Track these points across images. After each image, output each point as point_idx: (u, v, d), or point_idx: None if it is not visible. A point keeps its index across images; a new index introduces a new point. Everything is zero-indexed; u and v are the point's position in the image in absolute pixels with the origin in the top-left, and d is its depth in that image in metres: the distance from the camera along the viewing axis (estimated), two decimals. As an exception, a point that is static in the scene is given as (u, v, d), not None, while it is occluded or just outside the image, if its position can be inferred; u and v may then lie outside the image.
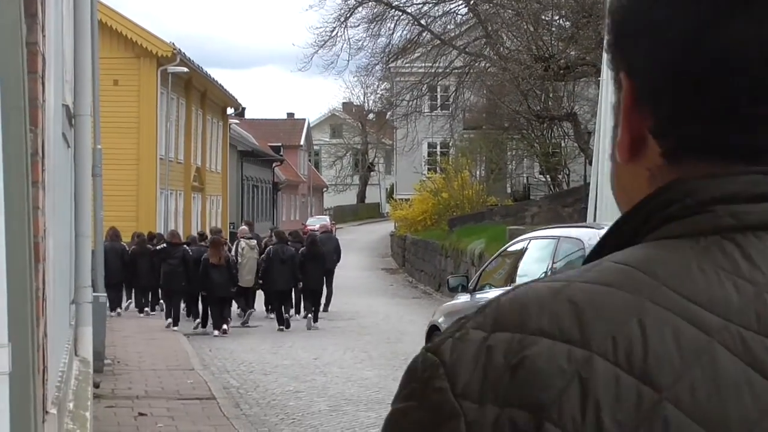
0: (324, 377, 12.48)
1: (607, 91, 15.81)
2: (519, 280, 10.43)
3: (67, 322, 8.29)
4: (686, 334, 0.64)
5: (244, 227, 21.04)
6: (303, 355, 14.53)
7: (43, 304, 4.46)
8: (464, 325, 0.68)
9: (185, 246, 18.83)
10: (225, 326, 16.79)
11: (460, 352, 0.66)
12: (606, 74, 15.74)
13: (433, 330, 11.46)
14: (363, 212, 54.22)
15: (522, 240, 12.06)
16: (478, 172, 30.11)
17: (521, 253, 11.53)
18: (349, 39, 30.70)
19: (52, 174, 5.20)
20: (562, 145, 27.06)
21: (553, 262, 10.55)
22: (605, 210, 15.58)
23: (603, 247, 0.75)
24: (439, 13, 27.57)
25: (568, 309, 0.65)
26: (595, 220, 15.25)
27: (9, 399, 3.09)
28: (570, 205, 22.64)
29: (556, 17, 24.33)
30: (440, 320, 11.51)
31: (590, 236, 10.15)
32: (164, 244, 19.06)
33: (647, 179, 0.75)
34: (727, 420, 0.63)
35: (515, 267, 11.49)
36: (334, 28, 30.38)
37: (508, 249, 12.40)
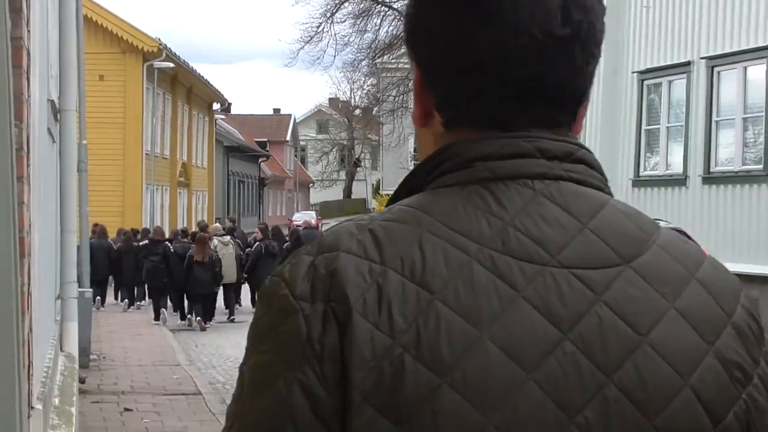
0: (310, 372, 12.72)
1: (593, 92, 16.72)
2: None
3: (53, 318, 8.43)
4: (452, 255, 0.92)
5: (216, 225, 21.26)
6: (289, 350, 14.80)
7: (28, 300, 4.56)
8: (298, 253, 0.95)
9: (167, 243, 19.11)
10: (205, 323, 17.31)
11: (295, 270, 0.93)
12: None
13: None
14: (349, 208, 54.42)
15: None
16: None
17: None
18: (335, 34, 31.09)
19: (37, 169, 5.31)
20: None
21: None
22: None
23: (398, 195, 1.02)
24: None
25: (370, 238, 0.92)
26: None
27: None
28: None
29: None
30: None
31: None
32: (146, 241, 19.45)
33: (433, 142, 1.02)
34: (480, 312, 0.89)
35: None
36: (321, 23, 30.81)
37: None
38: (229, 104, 44.01)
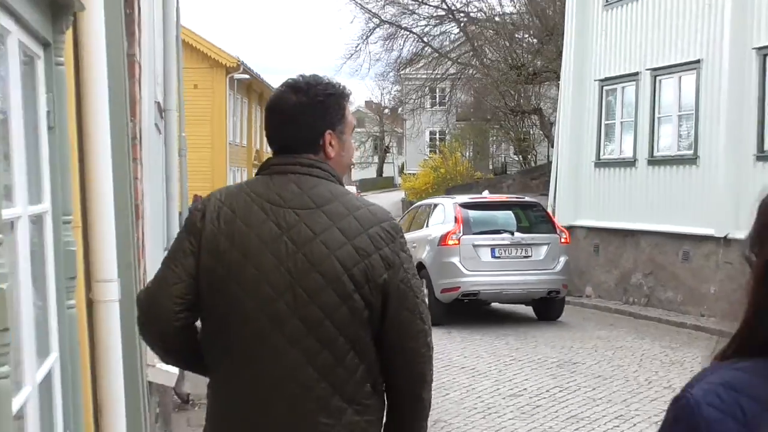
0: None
1: (564, 91, 18.79)
2: (413, 226, 14.65)
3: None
4: (246, 200, 2.30)
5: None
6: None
7: (142, 251, 5.07)
8: (212, 194, 2.36)
9: None
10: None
11: (206, 204, 2.32)
12: (564, 78, 18.77)
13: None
14: (381, 183, 64.72)
15: (417, 205, 16.73)
16: (467, 153, 35.90)
17: (417, 210, 15.97)
18: (369, 52, 36.02)
19: (147, 154, 5.87)
20: (531, 132, 31.82)
21: (428, 215, 14.43)
22: (561, 180, 18.33)
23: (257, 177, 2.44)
24: (438, 33, 32.89)
25: (224, 193, 2.36)
26: (555, 188, 17.98)
27: (120, 321, 3.70)
28: (537, 178, 25.66)
29: (526, 35, 28.89)
30: None
31: (445, 201, 14.53)
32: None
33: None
34: (251, 223, 2.28)
35: (413, 218, 15.50)
36: (358, 44, 35.54)
37: (413, 209, 16.75)
38: None
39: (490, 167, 35.83)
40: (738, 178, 13.46)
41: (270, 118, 2.52)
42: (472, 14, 31.54)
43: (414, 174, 37.32)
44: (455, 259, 12.76)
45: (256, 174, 2.49)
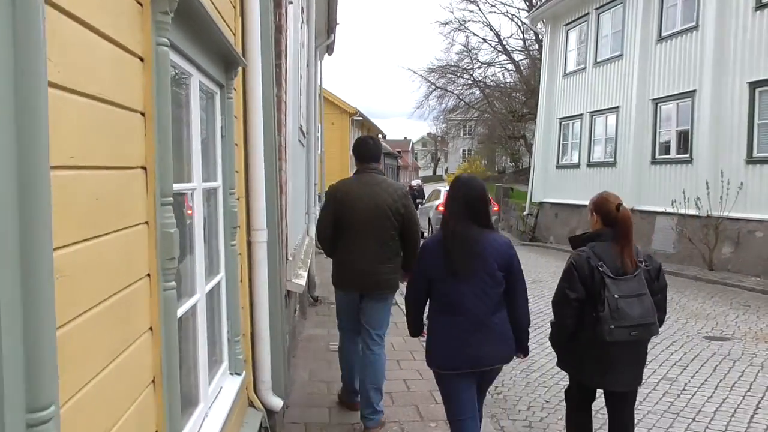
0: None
1: (539, 125, 24.13)
2: (431, 199, 23.89)
3: (303, 222, 10.01)
4: (354, 185, 5.17)
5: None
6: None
7: (285, 211, 5.90)
8: (338, 183, 5.37)
9: None
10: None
11: (337, 187, 5.31)
12: (539, 118, 24.14)
13: None
14: (433, 179, 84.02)
15: (434, 189, 25.43)
16: (483, 161, 56.46)
17: (434, 192, 24.49)
18: (429, 105, 56.27)
19: (292, 156, 6.67)
20: (519, 150, 48.54)
21: (437, 195, 23.51)
22: (537, 175, 23.48)
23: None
24: (469, 92, 49.40)
25: (346, 181, 5.40)
26: (532, 180, 24.05)
27: (267, 255, 4.45)
28: (522, 175, 36.93)
29: (518, 94, 42.28)
30: None
31: (443, 188, 23.04)
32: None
33: None
34: (355, 197, 5.13)
35: (433, 195, 24.21)
36: (423, 100, 60.17)
37: (434, 191, 24.87)
38: (384, 135, 71.58)
39: (496, 169, 53.73)
40: (640, 174, 17.87)
41: (361, 147, 5.02)
42: (487, 83, 47.34)
43: (453, 173, 61.14)
44: (441, 217, 24.09)
45: (355, 173, 4.96)
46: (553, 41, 23.57)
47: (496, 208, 23.24)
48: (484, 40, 50.58)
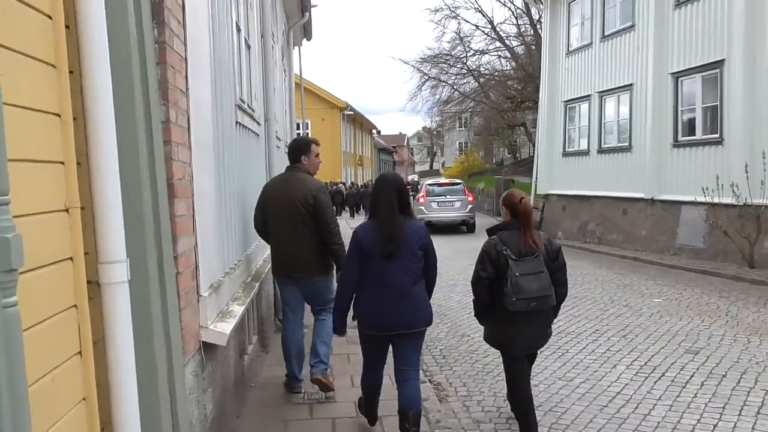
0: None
1: (542, 109, 22.71)
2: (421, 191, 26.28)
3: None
4: (279, 182, 6.05)
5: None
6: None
7: (195, 223, 5.32)
8: (269, 180, 6.62)
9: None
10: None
11: (267, 185, 6.45)
12: (541, 101, 22.97)
13: None
14: (431, 173, 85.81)
15: (429, 182, 27.30)
16: (480, 154, 53.99)
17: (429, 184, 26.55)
18: (422, 96, 53.01)
19: (219, 144, 5.60)
20: (518, 140, 47.61)
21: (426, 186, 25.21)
22: (541, 165, 22.44)
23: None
24: (463, 82, 48.43)
25: (275, 178, 6.35)
26: (537, 171, 23.06)
27: (131, 301, 2.86)
28: (522, 167, 36.63)
29: (514, 81, 41.91)
30: None
31: (425, 182, 27.55)
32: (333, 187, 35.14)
33: None
34: (271, 192, 6.00)
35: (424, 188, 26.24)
36: (416, 92, 55.47)
37: (428, 183, 26.93)
38: (379, 131, 74.10)
39: (494, 161, 54.14)
40: (660, 159, 16.50)
41: (288, 149, 5.96)
42: (482, 71, 46.17)
43: (449, 167, 60.89)
44: (423, 207, 24.15)
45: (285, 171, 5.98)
46: (554, 16, 22.39)
47: (471, 198, 24.84)
48: (477, 27, 49.80)
